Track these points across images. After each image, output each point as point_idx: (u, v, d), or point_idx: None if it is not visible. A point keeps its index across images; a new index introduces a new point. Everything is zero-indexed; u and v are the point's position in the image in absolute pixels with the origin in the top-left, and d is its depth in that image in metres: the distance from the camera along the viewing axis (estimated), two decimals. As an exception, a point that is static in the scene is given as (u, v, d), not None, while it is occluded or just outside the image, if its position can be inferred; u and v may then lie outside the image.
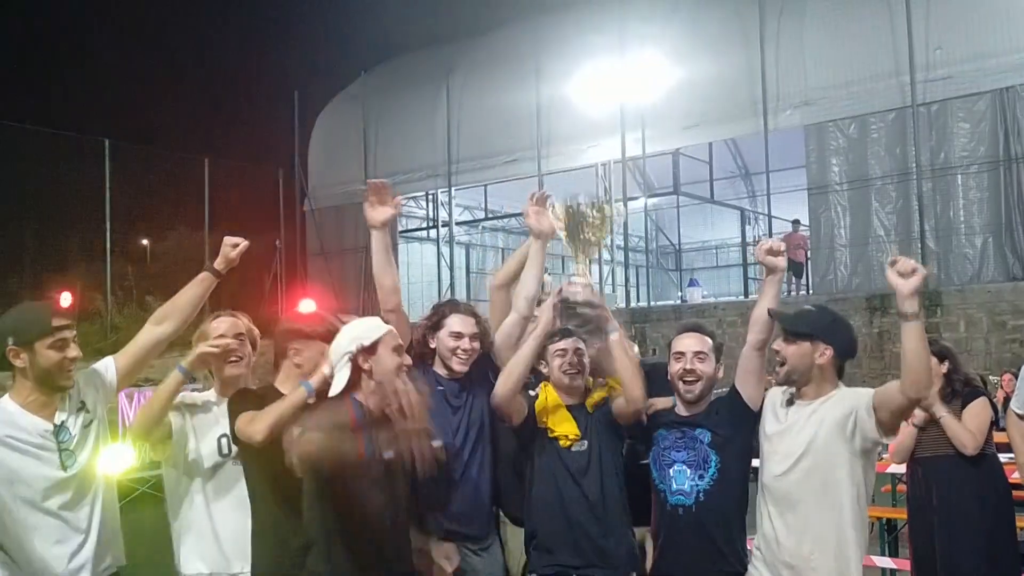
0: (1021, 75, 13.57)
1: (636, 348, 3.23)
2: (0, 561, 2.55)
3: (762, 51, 15.67)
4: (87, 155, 19.40)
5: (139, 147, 20.99)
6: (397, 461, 2.71)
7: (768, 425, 3.04)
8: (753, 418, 3.08)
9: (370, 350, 2.82)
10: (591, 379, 3.27)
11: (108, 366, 2.87)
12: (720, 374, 3.17)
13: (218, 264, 2.92)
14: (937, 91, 14.16)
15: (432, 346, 3.32)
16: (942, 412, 4.39)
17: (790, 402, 2.99)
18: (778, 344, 2.97)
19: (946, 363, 4.49)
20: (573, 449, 3.12)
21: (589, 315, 3.08)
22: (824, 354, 2.91)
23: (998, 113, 13.81)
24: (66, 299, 15.33)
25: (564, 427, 3.15)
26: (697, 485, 3.05)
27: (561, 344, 3.17)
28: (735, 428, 3.06)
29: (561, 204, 3.33)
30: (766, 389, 3.14)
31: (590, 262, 3.34)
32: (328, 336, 2.92)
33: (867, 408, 2.80)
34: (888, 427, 2.84)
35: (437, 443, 3.02)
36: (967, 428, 4.34)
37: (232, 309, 3.30)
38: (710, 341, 3.14)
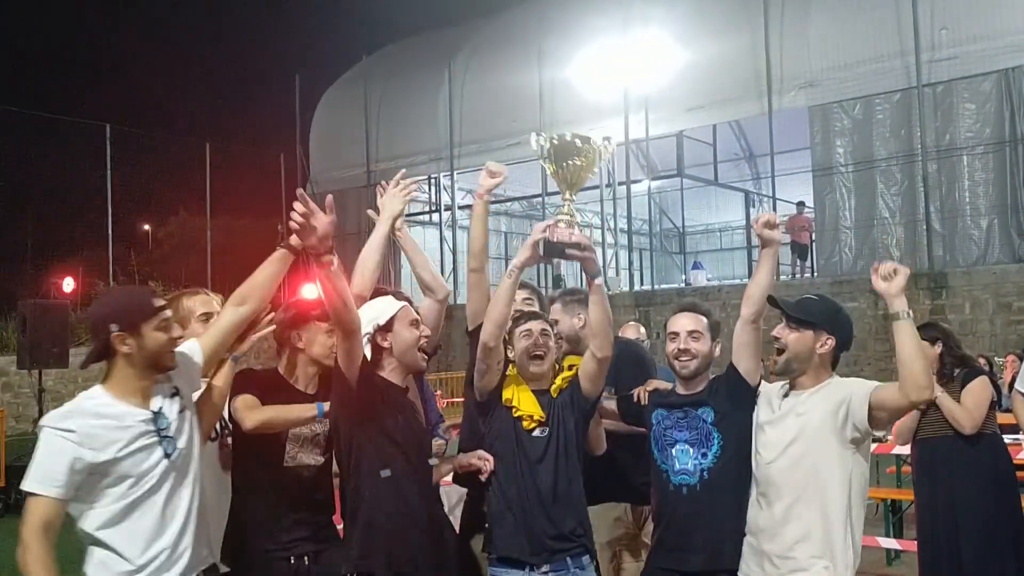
0: (1027, 55, 13.48)
1: (642, 330, 3.20)
2: (99, 560, 2.52)
3: (766, 32, 15.56)
4: (88, 140, 19.39)
5: (140, 132, 20.98)
6: None
7: (762, 414, 3.03)
8: (751, 393, 3.07)
9: (387, 327, 2.90)
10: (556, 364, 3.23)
11: (194, 350, 2.75)
12: (717, 352, 3.18)
13: (293, 240, 2.86)
14: (942, 71, 14.06)
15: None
16: (938, 392, 4.38)
17: (786, 394, 2.99)
18: (779, 330, 2.95)
19: (938, 345, 4.49)
20: (534, 434, 3.08)
21: (576, 256, 2.99)
22: (826, 344, 2.91)
23: (1004, 93, 13.72)
24: (69, 284, 15.38)
25: (528, 407, 3.10)
26: (700, 464, 3.06)
27: (527, 326, 3.13)
28: (735, 404, 3.07)
29: (544, 136, 3.24)
30: (762, 377, 3.12)
31: (573, 198, 3.22)
32: (324, 315, 2.91)
33: (861, 399, 2.78)
34: (882, 424, 2.85)
35: (439, 441, 3.06)
36: (964, 408, 4.35)
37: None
38: (705, 320, 3.16)
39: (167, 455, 2.55)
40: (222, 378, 2.84)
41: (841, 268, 14.99)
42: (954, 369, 4.47)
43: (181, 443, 2.61)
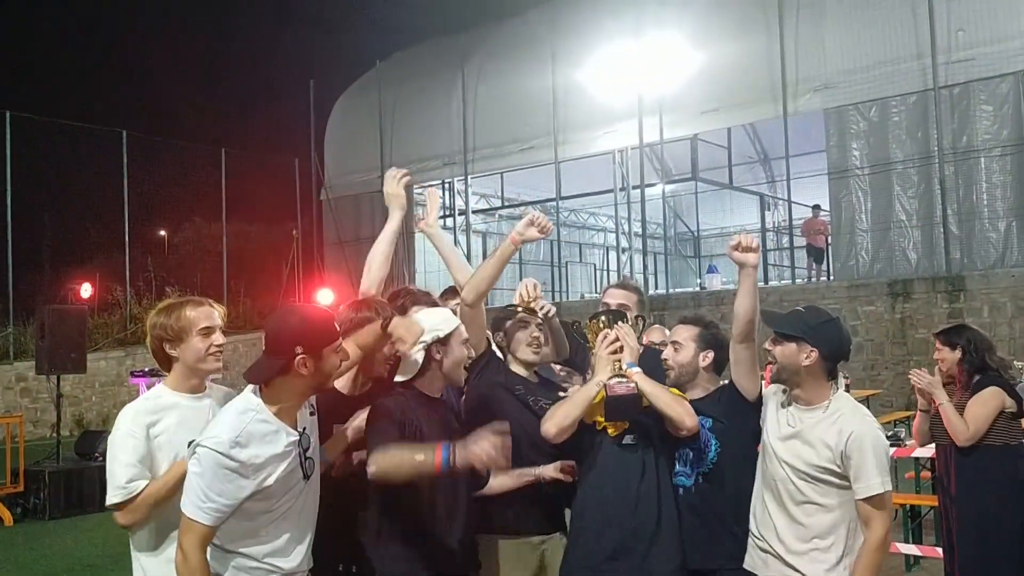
0: (1045, 56, 13.35)
1: (667, 332, 3.27)
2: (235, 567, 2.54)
3: (781, 34, 15.49)
4: (105, 147, 19.53)
5: (156, 138, 21.10)
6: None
7: (770, 423, 3.11)
8: (750, 408, 3.20)
9: (444, 341, 2.95)
10: None
11: None
12: (707, 361, 3.29)
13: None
14: (959, 73, 13.95)
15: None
16: (942, 399, 4.39)
17: (787, 404, 3.07)
18: (768, 344, 3.05)
19: (958, 351, 4.44)
20: (624, 441, 3.15)
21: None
22: (809, 356, 2.95)
23: (1021, 95, 13.59)
24: (86, 290, 15.50)
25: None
26: (697, 468, 3.19)
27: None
28: (733, 417, 3.19)
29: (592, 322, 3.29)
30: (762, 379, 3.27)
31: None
32: (355, 325, 2.89)
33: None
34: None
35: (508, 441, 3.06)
36: (964, 418, 4.29)
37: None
38: (696, 330, 3.31)
39: (306, 476, 2.61)
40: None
41: (857, 272, 14.88)
42: (972, 376, 4.40)
43: (316, 460, 2.68)
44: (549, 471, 3.18)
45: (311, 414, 2.69)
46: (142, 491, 2.70)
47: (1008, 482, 4.31)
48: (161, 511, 2.71)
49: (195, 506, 2.40)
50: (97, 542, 7.87)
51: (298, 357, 2.48)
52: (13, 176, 17.60)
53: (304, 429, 2.62)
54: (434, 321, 2.98)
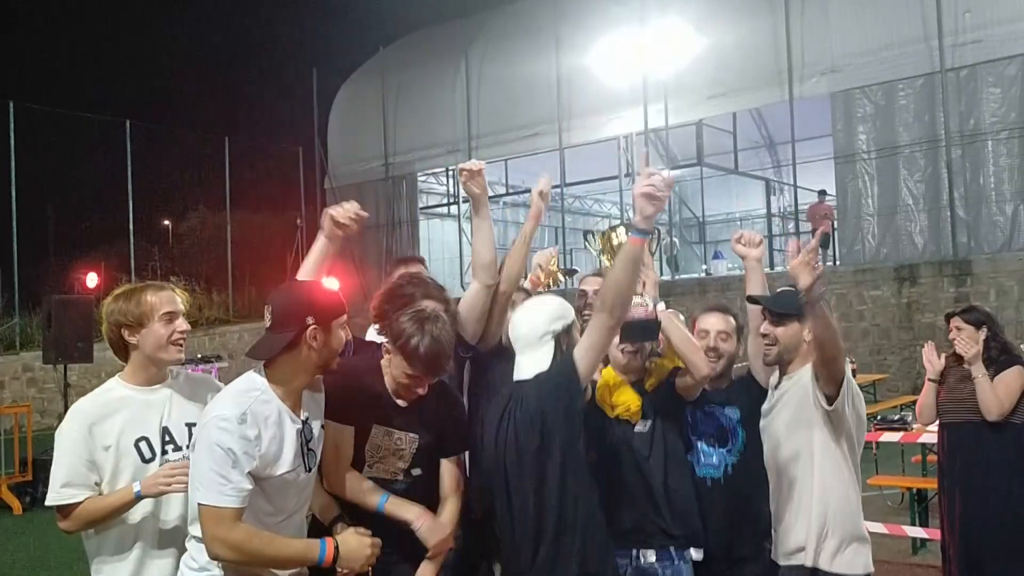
0: (1053, 38, 13.25)
1: (682, 317, 3.24)
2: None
3: (787, 17, 15.39)
4: (108, 136, 19.52)
5: (159, 127, 21.08)
6: None
7: (764, 409, 3.21)
8: (765, 397, 3.26)
9: (567, 331, 2.78)
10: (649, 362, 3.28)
11: None
12: (740, 351, 3.33)
13: None
14: (967, 56, 13.85)
15: None
16: (979, 373, 4.38)
17: (778, 383, 3.17)
18: (766, 327, 3.10)
19: (984, 329, 4.46)
20: (636, 429, 3.14)
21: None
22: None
23: (1029, 78, 13.50)
24: (92, 279, 15.49)
25: (626, 396, 3.15)
26: (725, 459, 3.23)
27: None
28: (756, 406, 3.23)
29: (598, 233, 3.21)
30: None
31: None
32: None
33: (811, 381, 2.98)
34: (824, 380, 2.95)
35: None
36: (995, 394, 4.31)
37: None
38: (733, 322, 3.31)
39: (308, 469, 2.51)
40: None
41: (864, 256, 14.83)
42: (1000, 355, 4.44)
43: (318, 454, 2.57)
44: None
45: (316, 405, 2.57)
46: (80, 503, 2.56)
47: (1020, 460, 4.36)
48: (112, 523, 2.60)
49: (217, 492, 2.26)
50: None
51: (309, 328, 2.39)
52: (17, 167, 17.62)
53: (307, 419, 2.51)
54: (557, 310, 2.80)
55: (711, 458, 3.24)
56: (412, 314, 2.62)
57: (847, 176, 15.17)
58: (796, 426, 3.03)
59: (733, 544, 3.18)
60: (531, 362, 2.72)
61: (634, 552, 3.08)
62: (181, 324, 2.72)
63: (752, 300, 3.18)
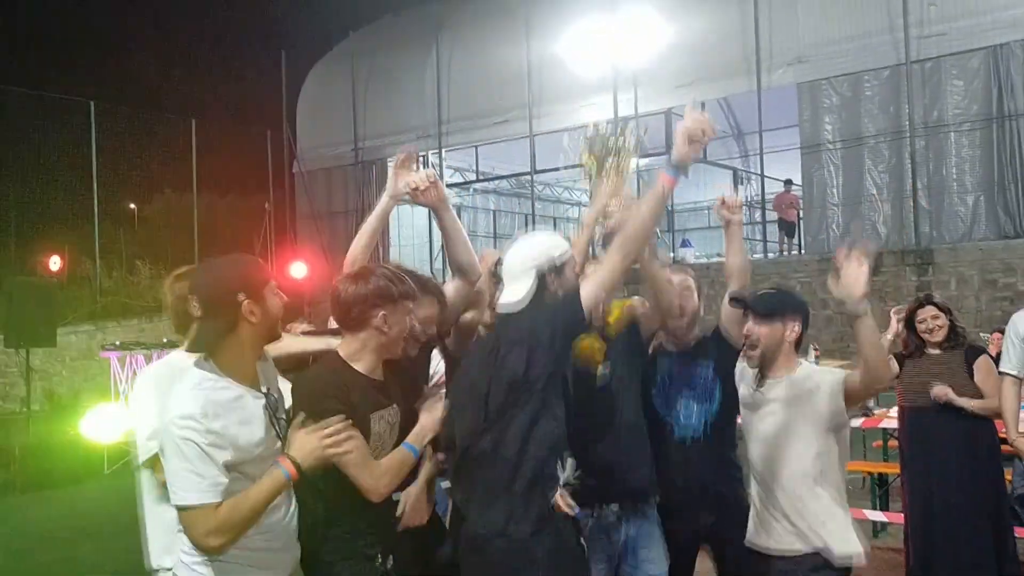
0: (1015, 32, 13.46)
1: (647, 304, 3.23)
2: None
3: (755, 7, 15.49)
4: (72, 117, 19.19)
5: (125, 109, 20.75)
6: None
7: (743, 398, 3.17)
8: (736, 355, 3.22)
9: (560, 270, 2.70)
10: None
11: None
12: (701, 311, 3.36)
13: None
14: (931, 48, 14.05)
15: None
16: (971, 404, 4.50)
17: (760, 384, 3.09)
18: (748, 328, 3.07)
19: (948, 315, 4.65)
20: (599, 372, 3.09)
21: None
22: (794, 330, 3.05)
23: (991, 70, 13.72)
24: (55, 262, 15.30)
25: (588, 341, 3.07)
26: (704, 417, 3.28)
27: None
28: (727, 362, 3.24)
29: (584, 141, 3.17)
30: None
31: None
32: (412, 294, 2.71)
33: (831, 392, 2.91)
34: (851, 405, 2.96)
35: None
36: (991, 396, 4.44)
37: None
38: (691, 281, 3.38)
39: (280, 438, 2.46)
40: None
41: (828, 245, 15.02)
42: (960, 340, 4.63)
43: (286, 420, 2.52)
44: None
45: (270, 367, 2.53)
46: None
47: (982, 444, 4.55)
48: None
49: (197, 491, 2.23)
50: (68, 516, 7.84)
51: (244, 305, 2.34)
52: (-22, 147, 17.29)
53: (267, 389, 2.46)
54: (547, 242, 2.77)
55: (690, 418, 3.27)
56: (380, 274, 2.66)
57: (813, 166, 15.34)
58: (789, 432, 2.99)
59: (710, 495, 3.22)
60: (509, 293, 2.69)
61: (597, 506, 3.05)
62: None
63: (736, 301, 3.17)
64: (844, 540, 2.91)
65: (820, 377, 2.98)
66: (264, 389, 2.46)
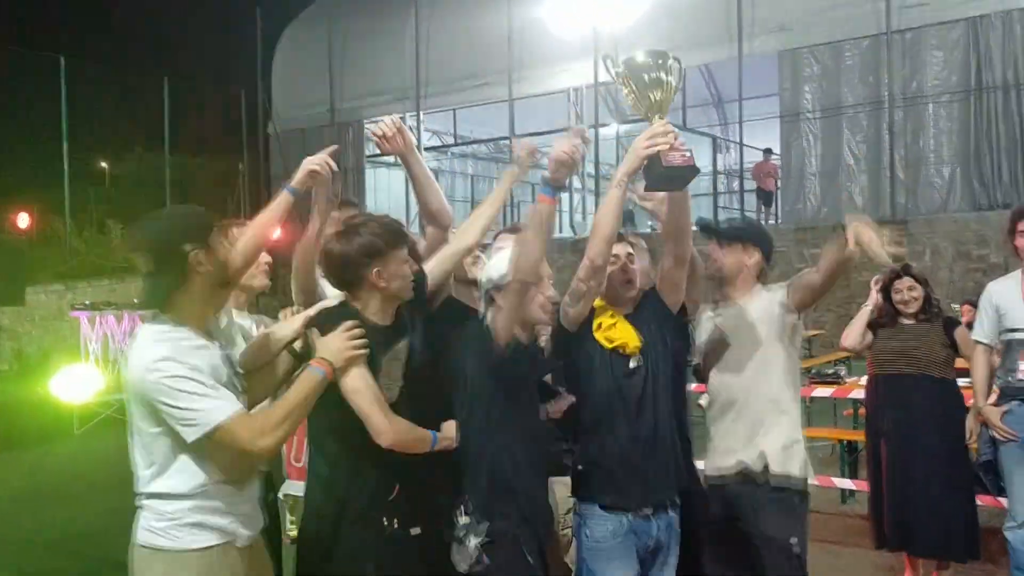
0: (996, 3, 13.48)
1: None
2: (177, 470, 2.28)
3: (738, -26, 15.37)
4: (41, 73, 18.76)
5: (95, 65, 20.31)
6: None
7: (708, 327, 3.31)
8: (674, 319, 3.03)
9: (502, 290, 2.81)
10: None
11: None
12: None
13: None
14: (913, 18, 14.03)
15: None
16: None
17: (717, 312, 3.28)
18: (712, 248, 3.27)
19: (924, 286, 4.71)
20: (631, 365, 2.89)
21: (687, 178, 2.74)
22: (753, 256, 3.25)
23: (971, 42, 13.75)
24: (23, 220, 15.04)
25: (622, 334, 2.92)
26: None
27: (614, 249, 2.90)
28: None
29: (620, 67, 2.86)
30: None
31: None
32: (401, 241, 2.68)
33: (782, 301, 3.18)
34: (804, 305, 3.22)
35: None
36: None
37: None
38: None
39: (243, 391, 2.41)
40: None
41: (805, 215, 15.09)
42: (934, 312, 4.70)
43: (243, 377, 2.47)
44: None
45: (224, 326, 2.54)
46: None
47: (951, 413, 4.63)
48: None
49: (218, 408, 2.17)
50: (38, 476, 7.76)
51: (191, 255, 2.26)
52: (-56, 102, 16.89)
53: (222, 344, 2.40)
54: (500, 269, 2.77)
55: None
56: (364, 230, 2.64)
57: (792, 135, 15.35)
58: (759, 348, 3.15)
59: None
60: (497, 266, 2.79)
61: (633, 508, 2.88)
62: (264, 256, 3.18)
63: (701, 229, 3.30)
64: (804, 464, 3.11)
65: (771, 293, 3.22)
66: (219, 343, 2.40)
